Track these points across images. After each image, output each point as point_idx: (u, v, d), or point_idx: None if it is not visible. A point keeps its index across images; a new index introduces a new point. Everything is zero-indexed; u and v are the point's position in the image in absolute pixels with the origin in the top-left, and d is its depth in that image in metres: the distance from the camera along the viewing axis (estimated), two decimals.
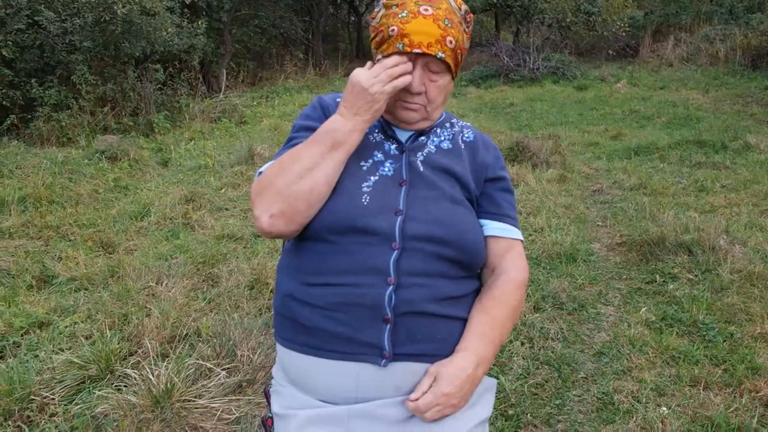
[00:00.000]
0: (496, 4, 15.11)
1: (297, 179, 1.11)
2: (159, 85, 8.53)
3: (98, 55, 7.86)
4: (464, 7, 1.23)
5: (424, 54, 1.16)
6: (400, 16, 1.17)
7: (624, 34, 15.02)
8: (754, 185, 5.08)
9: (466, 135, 1.34)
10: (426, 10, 1.16)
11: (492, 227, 1.28)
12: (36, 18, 7.17)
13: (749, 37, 12.19)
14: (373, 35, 1.26)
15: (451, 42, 1.17)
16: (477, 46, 16.48)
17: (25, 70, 7.46)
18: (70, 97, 7.46)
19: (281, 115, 9.20)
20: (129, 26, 7.60)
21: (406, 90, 1.20)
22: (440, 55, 1.16)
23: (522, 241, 1.31)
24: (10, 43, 7.04)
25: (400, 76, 1.15)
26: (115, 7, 7.20)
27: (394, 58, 1.15)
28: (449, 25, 1.17)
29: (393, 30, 1.17)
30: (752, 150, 6.17)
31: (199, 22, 9.14)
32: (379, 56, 1.22)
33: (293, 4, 15.85)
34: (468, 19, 1.24)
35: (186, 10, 9.03)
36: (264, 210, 1.11)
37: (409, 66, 1.16)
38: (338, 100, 1.32)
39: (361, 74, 1.15)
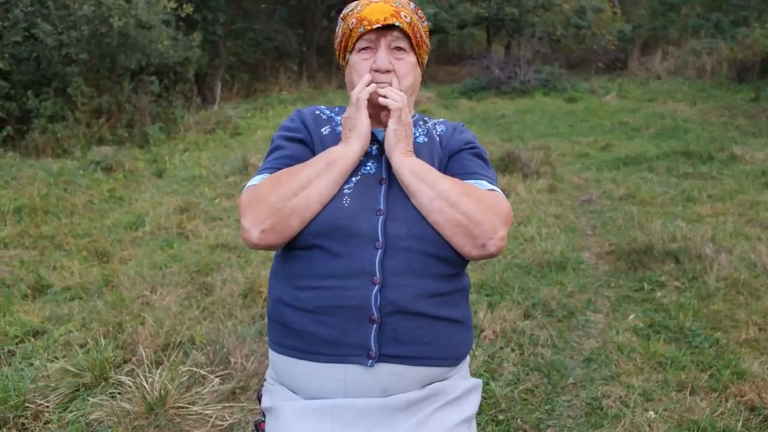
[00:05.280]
0: (487, 18, 15.28)
1: (292, 195, 1.15)
2: (154, 97, 8.58)
3: (94, 68, 7.90)
4: (413, 4, 1.34)
5: (384, 29, 1.25)
6: (355, 11, 1.28)
7: (613, 47, 15.26)
8: (739, 195, 5.16)
9: (440, 129, 1.40)
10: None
11: None
12: (33, 31, 7.21)
13: (735, 50, 12.41)
14: (337, 50, 1.36)
15: (405, 16, 1.27)
16: (469, 59, 16.62)
17: (21, 82, 7.49)
18: (65, 109, 7.50)
19: (275, 127, 9.23)
20: (125, 39, 7.65)
21: (376, 71, 1.27)
22: (397, 23, 1.25)
23: (498, 191, 1.26)
24: (7, 55, 7.09)
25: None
26: (111, 20, 7.26)
27: (359, 84, 1.26)
28: (400, 5, 1.29)
29: (352, 23, 1.27)
30: (738, 161, 6.28)
31: (194, 35, 9.19)
32: (348, 56, 1.31)
33: (288, 18, 15.98)
34: (420, 15, 1.34)
35: (181, 22, 9.09)
36: (255, 224, 1.14)
37: (368, 77, 1.26)
38: (317, 112, 1.38)
39: (346, 110, 1.28)
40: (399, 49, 1.28)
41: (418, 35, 1.30)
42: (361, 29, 1.25)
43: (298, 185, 1.15)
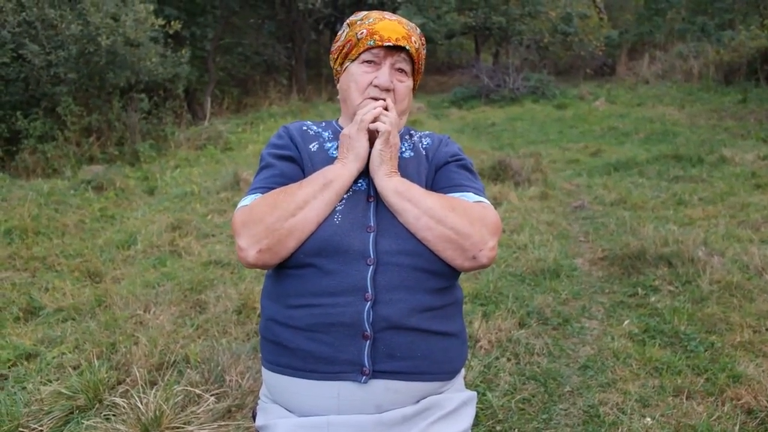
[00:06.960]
0: (475, 27, 15.39)
1: (289, 216, 1.15)
2: (144, 114, 8.58)
3: (83, 86, 7.89)
4: (419, 29, 1.37)
5: (393, 48, 1.27)
6: (367, 22, 1.29)
7: (600, 53, 15.40)
8: (730, 197, 5.20)
9: (426, 142, 1.41)
10: (390, 16, 1.30)
11: None
12: (20, 51, 7.21)
13: (721, 53, 12.55)
14: (336, 55, 1.36)
15: (415, 42, 1.30)
16: (457, 68, 16.75)
17: (9, 103, 7.48)
18: (55, 129, 7.48)
19: (266, 141, 9.19)
20: (113, 57, 7.66)
21: (376, 87, 1.28)
22: (407, 47, 1.27)
23: (485, 202, 1.27)
24: None
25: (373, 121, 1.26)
26: (99, 39, 7.27)
27: (369, 105, 1.25)
28: (411, 29, 1.31)
29: (362, 33, 1.28)
30: (728, 163, 6.32)
31: (183, 51, 9.21)
32: (347, 63, 1.31)
33: (276, 32, 16.05)
34: (423, 42, 1.36)
35: (170, 39, 9.11)
36: (252, 244, 1.15)
37: (379, 109, 1.25)
38: (304, 128, 1.38)
39: (346, 127, 1.27)
40: (401, 71, 1.30)
41: (420, 62, 1.34)
42: (371, 42, 1.26)
43: (295, 206, 1.16)
